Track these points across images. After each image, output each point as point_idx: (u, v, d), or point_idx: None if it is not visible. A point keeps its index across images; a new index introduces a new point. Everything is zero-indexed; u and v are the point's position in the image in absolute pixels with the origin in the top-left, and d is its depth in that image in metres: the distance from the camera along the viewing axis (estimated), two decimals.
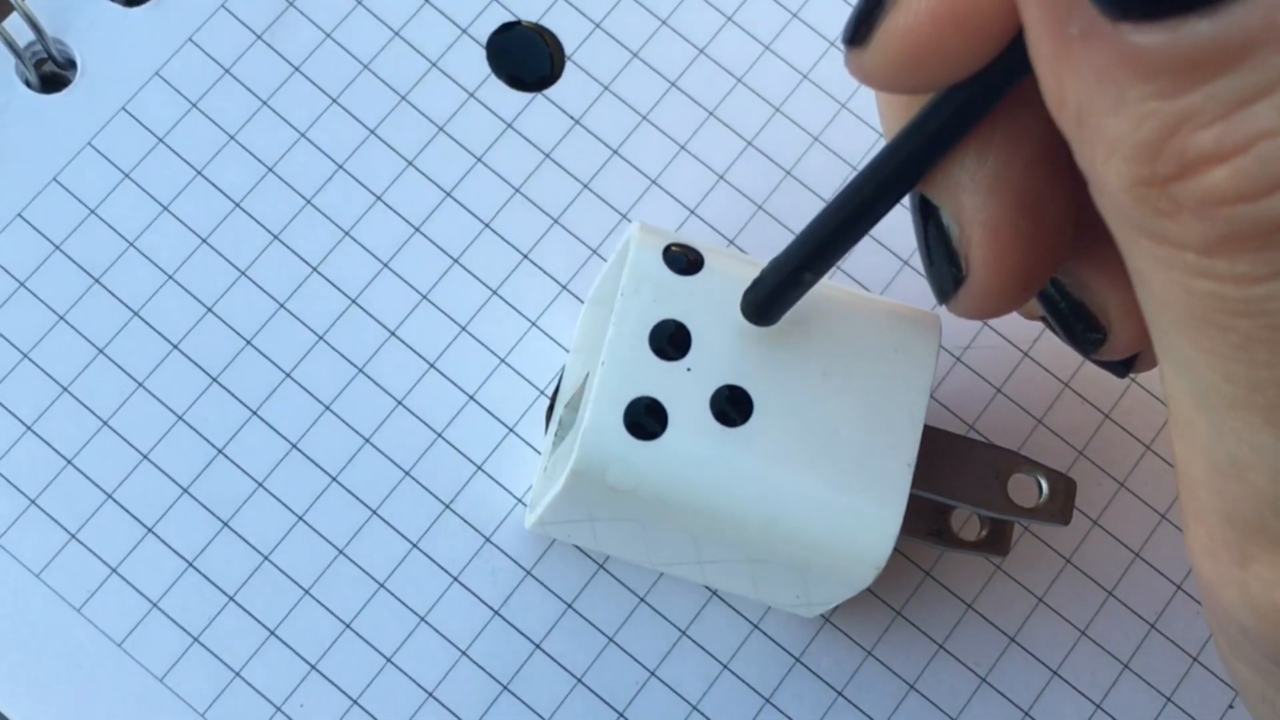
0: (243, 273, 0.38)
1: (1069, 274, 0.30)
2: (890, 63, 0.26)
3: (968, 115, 0.26)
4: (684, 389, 0.32)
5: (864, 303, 0.34)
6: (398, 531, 0.37)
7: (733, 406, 0.32)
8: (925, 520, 0.37)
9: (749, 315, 0.32)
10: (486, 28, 0.41)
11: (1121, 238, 0.23)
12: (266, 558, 0.37)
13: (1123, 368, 0.31)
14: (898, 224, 0.40)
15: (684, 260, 0.33)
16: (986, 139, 0.27)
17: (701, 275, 0.33)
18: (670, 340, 0.32)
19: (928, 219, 0.28)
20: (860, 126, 0.41)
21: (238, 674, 0.36)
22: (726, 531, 0.33)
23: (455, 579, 0.37)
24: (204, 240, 0.38)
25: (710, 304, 0.33)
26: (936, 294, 0.29)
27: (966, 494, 0.34)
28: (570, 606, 0.37)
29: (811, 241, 0.30)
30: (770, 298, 0.31)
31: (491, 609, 0.37)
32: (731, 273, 0.33)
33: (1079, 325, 0.30)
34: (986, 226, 0.27)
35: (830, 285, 0.34)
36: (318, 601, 0.37)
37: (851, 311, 0.33)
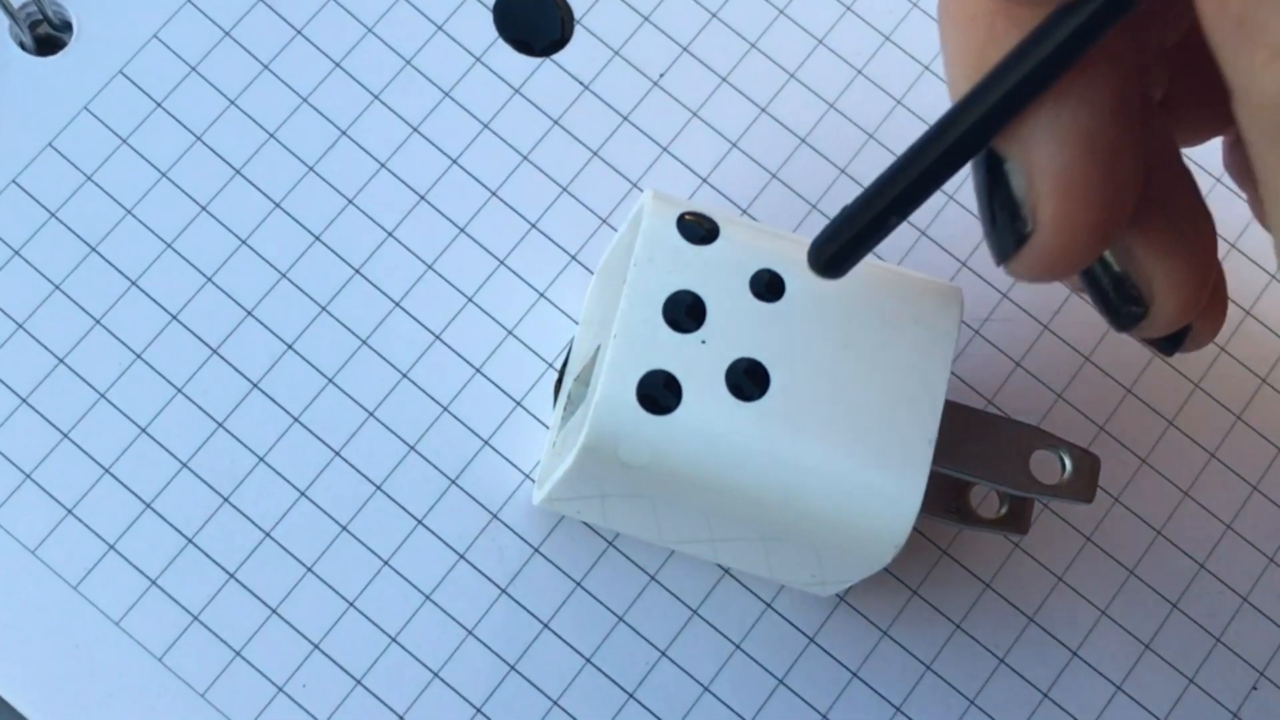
0: (243, 242, 0.37)
1: (1116, 243, 0.28)
2: None
3: (1083, 38, 0.25)
4: (699, 362, 0.31)
5: (884, 273, 0.33)
6: (402, 507, 0.36)
7: (749, 380, 0.31)
8: (944, 497, 0.36)
9: (818, 266, 0.29)
10: None
11: (1262, 149, 0.21)
12: (268, 534, 0.36)
13: (1170, 344, 0.30)
14: None
15: (699, 229, 0.32)
16: (1064, 86, 0.26)
17: (717, 245, 0.32)
18: (684, 312, 0.31)
19: (993, 171, 0.27)
20: (876, 93, 0.40)
21: (238, 654, 0.35)
22: (741, 509, 0.32)
23: (461, 556, 0.36)
24: (203, 208, 0.37)
25: (726, 274, 0.32)
26: (996, 253, 0.28)
27: (988, 470, 0.33)
28: (579, 585, 0.36)
29: (903, 181, 0.27)
30: (851, 245, 0.29)
31: (498, 587, 0.36)
32: (748, 242, 0.32)
33: (1119, 298, 0.29)
34: (1058, 177, 0.26)
35: None
36: (320, 579, 0.36)
37: (871, 282, 0.32)
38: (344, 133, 0.38)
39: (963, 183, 0.39)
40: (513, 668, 0.36)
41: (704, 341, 0.31)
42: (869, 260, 0.33)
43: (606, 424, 0.31)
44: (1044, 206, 0.26)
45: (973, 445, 0.33)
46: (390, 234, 0.38)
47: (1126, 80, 0.26)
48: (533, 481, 0.37)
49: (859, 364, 0.32)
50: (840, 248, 0.29)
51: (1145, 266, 0.28)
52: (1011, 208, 0.27)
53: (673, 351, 0.31)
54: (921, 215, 0.39)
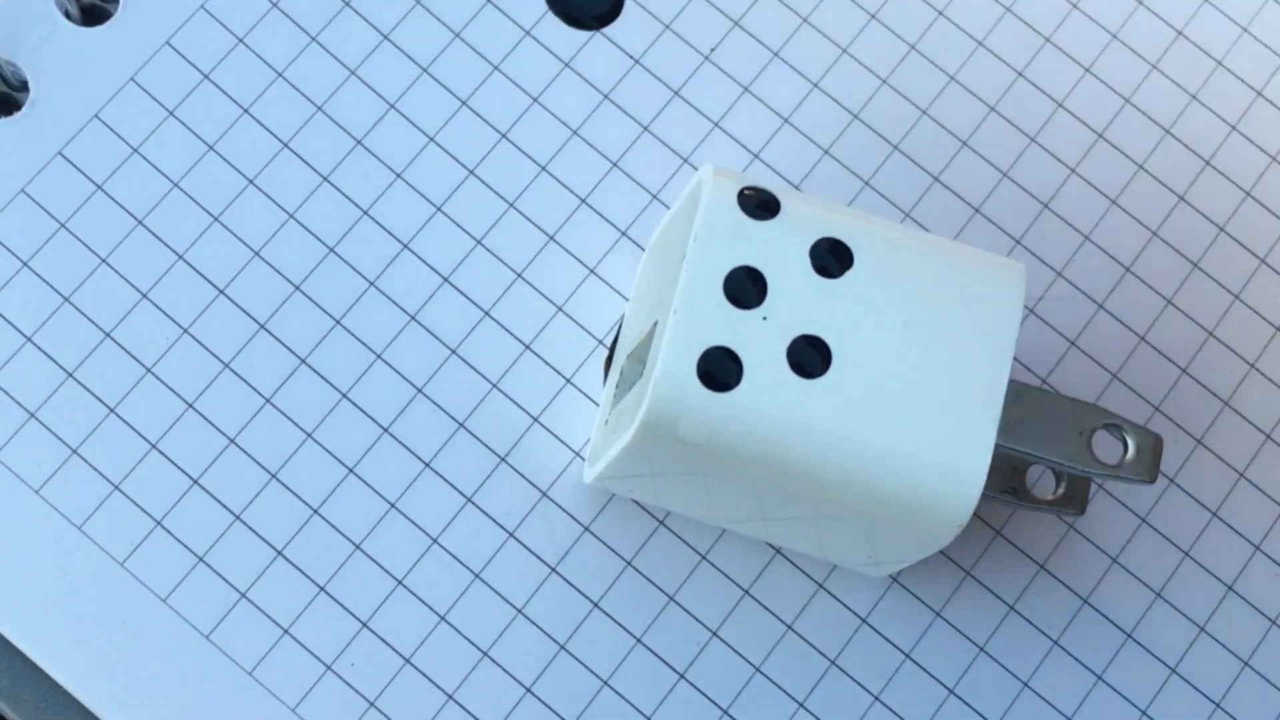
0: (291, 215, 0.37)
1: None
2: None
3: None
4: (760, 338, 0.31)
5: (947, 250, 0.32)
6: (451, 485, 0.36)
7: (810, 357, 0.31)
8: (1000, 477, 0.36)
9: None
10: None
11: None
12: (316, 511, 0.35)
13: None
14: (968, 168, 0.38)
15: (759, 204, 0.32)
16: None
17: (778, 220, 0.31)
18: (746, 287, 0.31)
19: None
20: (929, 68, 0.39)
21: (286, 631, 0.35)
22: (801, 488, 0.31)
23: (511, 535, 0.36)
24: (251, 181, 0.37)
25: (787, 250, 0.31)
26: None
27: (1051, 449, 0.33)
28: (629, 564, 0.36)
29: None
30: None
31: (548, 566, 0.36)
32: (810, 217, 0.32)
33: None
34: None
35: (912, 231, 0.33)
36: (369, 557, 0.35)
37: (934, 259, 0.32)
38: (392, 106, 0.38)
39: (1018, 158, 0.39)
40: (563, 647, 0.35)
41: (765, 318, 0.31)
42: (933, 236, 0.33)
43: (666, 400, 0.31)
44: None
45: (1034, 424, 0.33)
46: (439, 209, 0.37)
47: None
48: (583, 459, 0.36)
49: (922, 341, 0.31)
50: None
51: None
52: None
53: (734, 328, 0.31)
54: (975, 192, 0.39)
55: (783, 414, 0.31)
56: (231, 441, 0.35)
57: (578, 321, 0.37)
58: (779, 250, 0.31)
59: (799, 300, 0.31)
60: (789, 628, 0.36)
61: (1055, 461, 0.33)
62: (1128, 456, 0.33)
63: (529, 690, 0.35)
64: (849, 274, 0.31)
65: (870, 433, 0.31)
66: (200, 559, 0.35)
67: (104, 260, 0.36)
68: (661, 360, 0.31)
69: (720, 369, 0.31)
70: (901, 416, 0.31)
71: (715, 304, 0.31)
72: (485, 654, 0.35)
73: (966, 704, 0.36)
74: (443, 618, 0.35)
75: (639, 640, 0.36)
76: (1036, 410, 0.33)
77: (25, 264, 0.36)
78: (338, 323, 0.36)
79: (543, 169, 0.38)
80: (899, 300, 0.31)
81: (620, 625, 0.36)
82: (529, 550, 0.36)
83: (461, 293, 0.37)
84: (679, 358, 0.31)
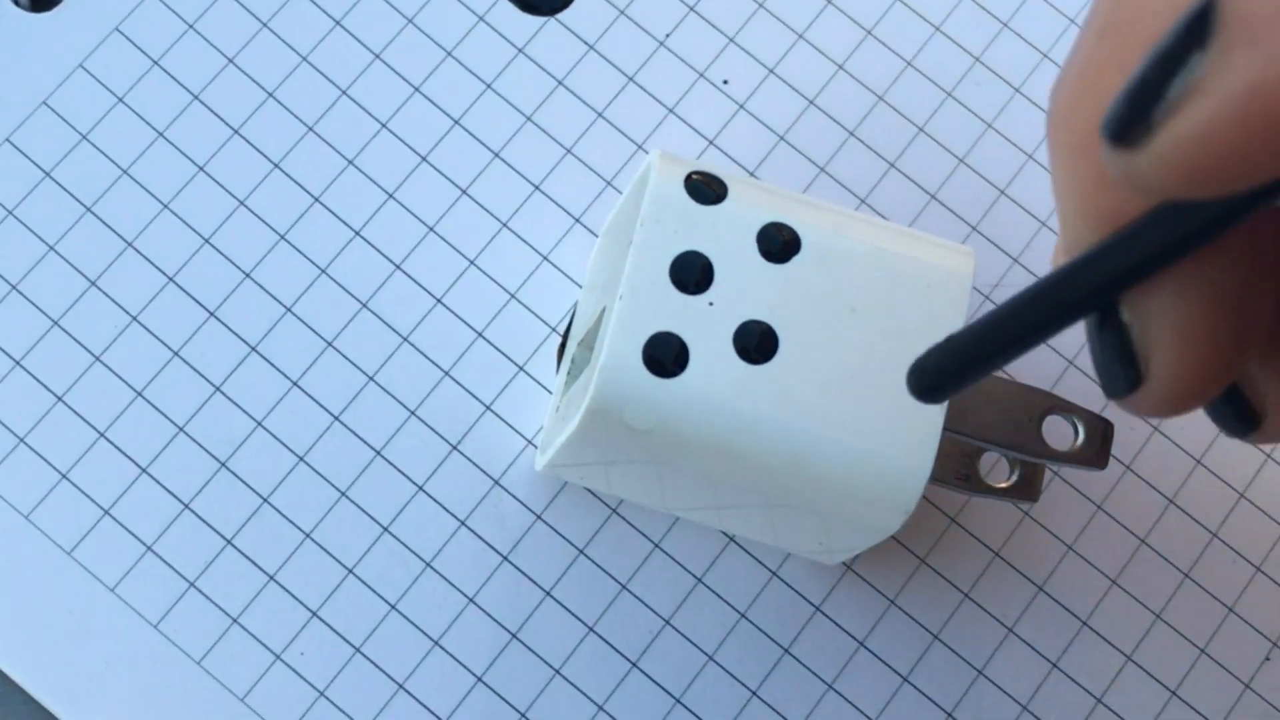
0: (241, 203, 0.37)
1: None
2: (1174, 173, 0.20)
3: (1227, 221, 0.22)
4: (706, 324, 0.31)
5: (895, 235, 0.32)
6: (402, 473, 0.36)
7: (757, 343, 0.31)
8: (953, 464, 0.35)
9: (916, 391, 0.26)
10: None
11: None
12: (265, 500, 0.35)
13: (1237, 425, 0.26)
14: (925, 155, 0.38)
15: (707, 189, 0.31)
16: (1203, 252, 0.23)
17: (725, 205, 0.31)
18: (692, 273, 0.31)
19: (1105, 314, 0.24)
20: (886, 54, 0.39)
21: (235, 620, 0.35)
22: (748, 475, 0.31)
23: (462, 523, 0.36)
24: (201, 168, 0.37)
25: (734, 236, 0.31)
26: (1106, 392, 0.25)
27: (1000, 436, 0.33)
28: (582, 552, 0.36)
29: (1018, 326, 0.24)
30: (954, 378, 0.25)
31: (500, 554, 0.36)
32: (757, 203, 0.31)
33: (1230, 411, 0.25)
34: (1178, 330, 0.23)
35: (860, 217, 0.32)
36: (319, 546, 0.35)
37: (882, 244, 0.32)
38: (344, 92, 0.38)
39: (974, 144, 0.39)
40: (514, 636, 0.35)
41: (711, 304, 0.31)
42: (881, 221, 0.33)
43: (612, 387, 0.30)
44: (1160, 357, 0.23)
45: (984, 410, 0.33)
46: (391, 195, 0.37)
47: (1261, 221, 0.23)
48: (535, 447, 0.36)
49: (869, 327, 0.31)
50: (941, 378, 0.26)
51: (1260, 384, 0.25)
52: (1122, 352, 0.24)
53: (680, 314, 0.31)
54: (931, 179, 0.38)
55: (729, 400, 0.31)
56: (180, 430, 0.35)
57: (531, 309, 0.37)
58: (726, 235, 0.31)
59: (745, 286, 0.31)
60: (742, 616, 0.36)
61: (1004, 447, 0.33)
62: (1077, 442, 0.33)
63: (480, 679, 0.35)
64: (795, 260, 0.31)
65: (816, 419, 0.31)
66: (149, 548, 0.35)
67: (52, 248, 0.36)
68: (607, 346, 0.30)
69: (666, 355, 0.30)
70: (848, 402, 0.31)
71: (661, 290, 0.31)
72: (436, 643, 0.35)
73: (921, 692, 0.36)
74: (393, 606, 0.35)
75: (591, 629, 0.35)
76: (985, 396, 0.33)
77: None
78: (288, 310, 0.36)
79: (496, 155, 0.38)
80: (846, 286, 0.31)
81: (572, 614, 0.36)
82: (480, 539, 0.36)
83: (414, 280, 0.37)
84: (624, 344, 0.30)
